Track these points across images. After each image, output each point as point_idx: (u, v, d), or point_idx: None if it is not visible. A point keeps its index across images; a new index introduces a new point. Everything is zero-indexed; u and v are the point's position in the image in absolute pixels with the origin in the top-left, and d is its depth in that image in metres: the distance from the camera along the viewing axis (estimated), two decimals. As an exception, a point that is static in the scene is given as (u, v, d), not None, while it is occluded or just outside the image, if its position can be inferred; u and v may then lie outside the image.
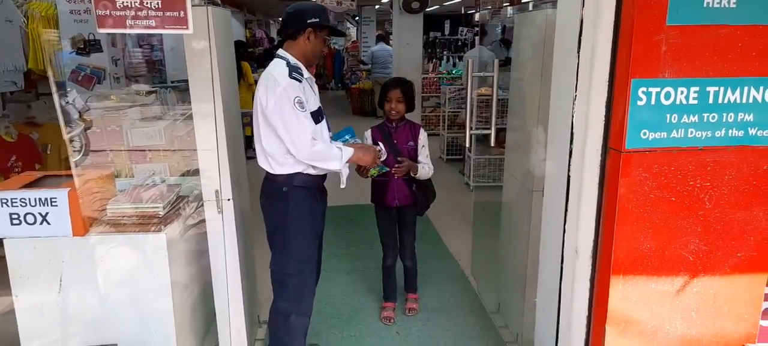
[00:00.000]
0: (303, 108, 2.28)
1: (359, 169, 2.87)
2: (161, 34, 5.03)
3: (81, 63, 4.18)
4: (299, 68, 2.38)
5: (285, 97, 2.25)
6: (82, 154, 3.20)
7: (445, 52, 11.71)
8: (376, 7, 12.84)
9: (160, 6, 1.82)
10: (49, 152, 4.35)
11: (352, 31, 17.00)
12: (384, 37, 10.74)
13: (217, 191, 2.61)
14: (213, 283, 2.71)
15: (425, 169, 3.18)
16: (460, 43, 12.18)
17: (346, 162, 2.50)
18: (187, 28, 1.85)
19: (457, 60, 10.10)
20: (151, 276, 2.47)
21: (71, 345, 2.39)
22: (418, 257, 3.45)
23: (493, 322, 3.35)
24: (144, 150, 3.42)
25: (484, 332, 3.26)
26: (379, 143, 3.06)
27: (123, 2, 1.79)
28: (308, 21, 2.36)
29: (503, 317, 3.39)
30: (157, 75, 5.75)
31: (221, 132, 2.47)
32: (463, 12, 13.75)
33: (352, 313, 3.49)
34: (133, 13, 1.80)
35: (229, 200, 2.64)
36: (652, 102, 1.81)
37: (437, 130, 7.78)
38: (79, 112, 3.46)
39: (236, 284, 2.75)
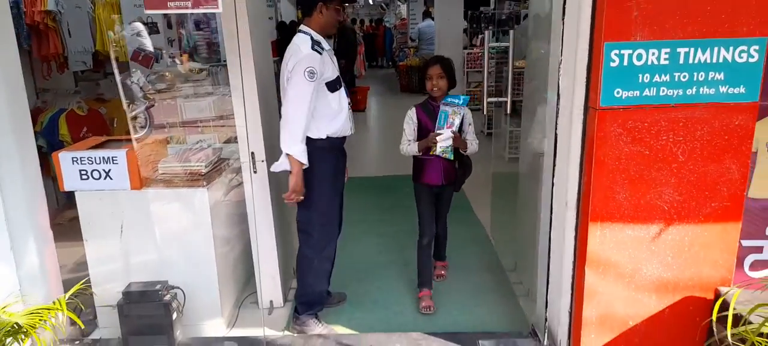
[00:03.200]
0: (312, 79, 2.56)
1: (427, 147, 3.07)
2: (217, 17, 5.45)
3: (141, 44, 4.64)
4: (320, 42, 2.67)
5: (302, 64, 2.55)
6: (146, 129, 3.61)
7: (490, 27, 11.67)
8: (424, -16, 12.96)
9: (195, -11, 2.15)
10: (115, 125, 4.86)
11: (402, 9, 17.15)
12: (430, 14, 10.88)
13: (252, 153, 2.97)
14: (250, 233, 3.08)
15: (473, 145, 3.18)
16: (504, 18, 12.07)
17: (286, 153, 2.65)
18: (217, 7, 2.17)
19: (501, 35, 10.08)
20: (195, 225, 2.87)
21: (130, 280, 2.81)
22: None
23: (509, 279, 3.58)
24: (195, 122, 3.84)
25: (499, 286, 3.50)
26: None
27: (165, -14, 2.14)
28: None
29: (519, 274, 3.61)
30: (215, 55, 6.23)
31: (251, 99, 2.82)
32: (510, -14, 13.58)
33: (380, 269, 3.80)
34: (173, -5, 2.15)
35: (263, 161, 3.00)
36: (625, 63, 2.00)
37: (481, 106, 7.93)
38: (143, 91, 3.89)
39: (270, 235, 3.11)
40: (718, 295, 2.19)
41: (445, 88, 3.11)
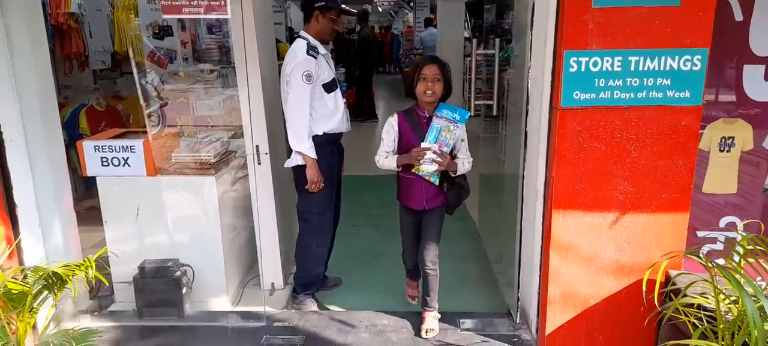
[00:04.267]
0: (309, 82, 2.83)
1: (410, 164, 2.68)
2: (229, 23, 5.77)
3: (156, 46, 4.95)
4: (316, 47, 2.95)
5: (299, 68, 2.83)
6: (159, 127, 3.90)
7: (490, 37, 11.98)
8: (430, -8, 13.27)
9: (207, -3, 2.45)
10: (130, 121, 5.18)
11: (409, 17, 17.47)
12: (432, 22, 11.19)
13: (257, 146, 3.26)
14: (254, 220, 3.36)
15: (465, 164, 2.72)
16: (506, 28, 12.38)
17: (297, 151, 2.94)
18: (226, 13, 2.47)
19: (504, 44, 10.39)
20: (204, 210, 3.16)
21: (144, 259, 3.10)
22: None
23: (493, 269, 3.85)
24: (205, 118, 4.13)
25: (483, 275, 3.77)
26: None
27: (181, -5, 2.44)
28: (315, 5, 2.93)
29: (503, 266, 3.86)
30: (226, 57, 6.55)
31: (256, 96, 3.11)
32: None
33: (374, 257, 4.08)
34: (187, 2, 2.45)
35: (266, 153, 3.28)
36: (582, 69, 2.27)
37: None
38: (157, 91, 4.18)
39: (272, 222, 3.39)
40: (668, 278, 2.44)
41: (439, 95, 2.65)
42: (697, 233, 2.69)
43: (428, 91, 2.60)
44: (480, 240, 4.40)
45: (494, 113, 3.66)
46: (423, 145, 2.61)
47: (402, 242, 3.06)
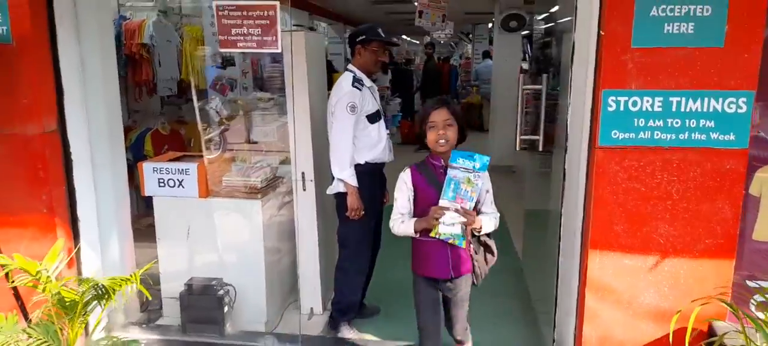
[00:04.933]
0: (353, 112, 2.96)
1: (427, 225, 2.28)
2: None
3: (219, 74, 5.25)
4: (361, 79, 3.07)
5: (344, 99, 2.96)
6: (220, 151, 4.11)
7: (550, 70, 11.85)
8: (489, 25, 13.29)
9: (260, 33, 2.61)
10: (192, 145, 5.48)
11: (468, 48, 17.57)
12: (489, 54, 11.21)
13: (302, 173, 3.38)
14: (296, 243, 3.47)
15: (492, 221, 2.36)
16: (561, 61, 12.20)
17: (339, 178, 3.05)
18: (277, 48, 2.62)
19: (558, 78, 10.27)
20: (249, 232, 3.29)
21: (192, 276, 3.26)
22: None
23: (535, 307, 3.77)
24: (261, 144, 4.32)
25: (524, 313, 3.71)
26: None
27: (236, 31, 2.62)
28: (357, 39, 3.07)
29: (545, 303, 3.78)
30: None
31: (304, 124, 3.24)
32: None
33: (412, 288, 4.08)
34: (242, 37, 2.62)
35: (311, 180, 3.40)
36: (621, 108, 2.24)
37: (531, 145, 8.10)
38: (220, 117, 4.41)
39: (313, 248, 3.48)
40: (711, 328, 2.33)
41: (453, 142, 2.32)
42: (748, 282, 2.56)
43: (441, 140, 2.27)
44: (523, 276, 4.32)
45: (540, 149, 3.63)
46: (440, 202, 2.23)
47: (422, 325, 2.51)
